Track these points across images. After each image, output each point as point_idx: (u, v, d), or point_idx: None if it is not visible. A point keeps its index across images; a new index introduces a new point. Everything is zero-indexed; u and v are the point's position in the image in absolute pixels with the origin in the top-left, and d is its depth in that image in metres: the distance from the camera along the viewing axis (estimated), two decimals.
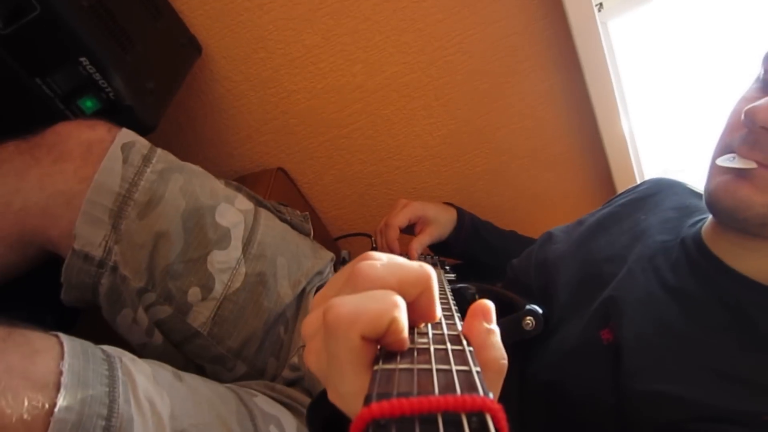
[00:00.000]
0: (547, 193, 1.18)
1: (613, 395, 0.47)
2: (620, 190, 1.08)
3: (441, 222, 0.85)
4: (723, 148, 0.49)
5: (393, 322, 0.23)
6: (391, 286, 0.25)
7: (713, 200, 0.49)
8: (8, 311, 0.43)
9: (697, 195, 0.65)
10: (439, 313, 0.28)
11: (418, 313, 0.27)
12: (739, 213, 0.46)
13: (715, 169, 0.49)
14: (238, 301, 0.66)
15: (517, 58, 0.99)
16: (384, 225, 0.85)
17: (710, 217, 0.54)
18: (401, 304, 0.24)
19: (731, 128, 0.49)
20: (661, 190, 0.68)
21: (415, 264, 0.27)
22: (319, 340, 0.26)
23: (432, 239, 0.84)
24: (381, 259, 0.27)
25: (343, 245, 1.22)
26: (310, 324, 0.27)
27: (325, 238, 1.24)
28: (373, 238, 0.91)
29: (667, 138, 1.11)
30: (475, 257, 0.88)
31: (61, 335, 0.43)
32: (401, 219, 0.83)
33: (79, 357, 0.41)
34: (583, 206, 1.19)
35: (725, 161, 0.47)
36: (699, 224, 0.56)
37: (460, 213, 0.88)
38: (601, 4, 0.97)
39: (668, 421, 0.43)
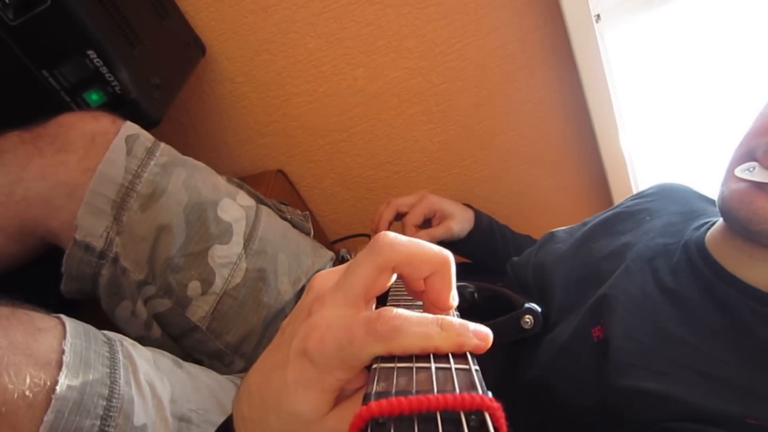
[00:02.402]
0: (544, 198, 1.19)
1: (598, 392, 0.47)
2: (616, 195, 1.10)
3: (459, 219, 0.81)
4: (744, 154, 0.47)
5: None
6: (412, 253, 0.26)
7: (727, 208, 0.47)
8: (10, 293, 0.43)
9: (706, 199, 0.65)
10: (454, 301, 0.28)
11: (431, 297, 0.27)
12: (753, 225, 0.45)
13: (731, 175, 0.48)
14: (238, 296, 0.66)
15: (517, 65, 1.01)
16: (402, 224, 0.80)
17: (718, 221, 0.53)
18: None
19: (757, 132, 0.47)
20: (668, 194, 0.67)
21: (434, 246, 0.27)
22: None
23: (448, 234, 0.79)
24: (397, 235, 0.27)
25: (340, 248, 1.21)
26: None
27: (322, 241, 1.23)
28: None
29: (662, 146, 1.12)
30: (488, 259, 0.85)
31: (63, 317, 0.42)
32: (416, 217, 0.78)
33: (81, 337, 0.41)
34: (580, 212, 1.20)
35: (744, 172, 0.45)
36: (703, 228, 0.55)
37: (478, 214, 0.84)
38: (598, 15, 0.99)
39: (651, 419, 0.42)
